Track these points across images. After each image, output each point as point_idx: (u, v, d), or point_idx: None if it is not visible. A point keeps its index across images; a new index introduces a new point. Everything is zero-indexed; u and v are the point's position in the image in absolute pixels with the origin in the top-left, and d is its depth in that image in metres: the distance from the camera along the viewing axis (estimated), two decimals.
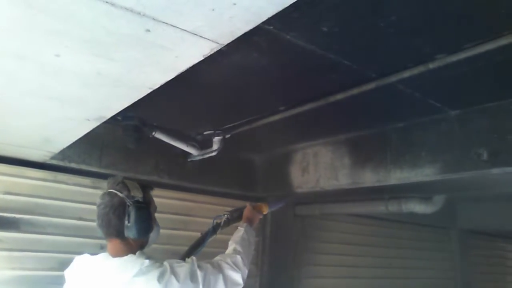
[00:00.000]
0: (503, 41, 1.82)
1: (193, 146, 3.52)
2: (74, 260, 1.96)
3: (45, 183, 3.28)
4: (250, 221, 2.49)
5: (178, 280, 1.71)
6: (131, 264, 1.74)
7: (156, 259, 1.82)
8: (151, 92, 1.78)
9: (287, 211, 4.68)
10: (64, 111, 2.01)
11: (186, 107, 3.06)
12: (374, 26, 1.88)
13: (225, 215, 2.54)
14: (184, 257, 2.10)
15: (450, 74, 2.28)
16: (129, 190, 1.86)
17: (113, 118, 2.35)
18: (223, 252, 2.20)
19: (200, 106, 3.02)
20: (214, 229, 2.47)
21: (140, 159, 3.61)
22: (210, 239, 2.44)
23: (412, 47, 2.07)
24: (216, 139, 3.46)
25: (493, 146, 2.59)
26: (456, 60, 2.04)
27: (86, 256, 1.93)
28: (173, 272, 1.73)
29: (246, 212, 2.55)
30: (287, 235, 4.66)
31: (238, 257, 2.08)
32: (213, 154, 3.51)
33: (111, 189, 1.87)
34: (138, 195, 1.87)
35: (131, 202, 1.82)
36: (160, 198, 3.82)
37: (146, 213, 1.87)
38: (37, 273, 3.15)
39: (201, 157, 3.61)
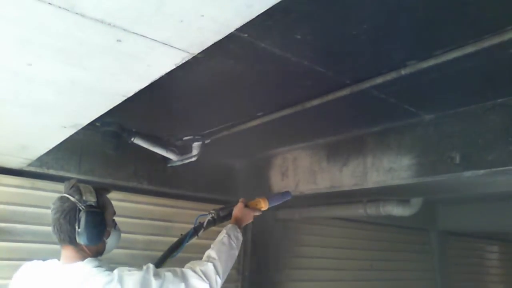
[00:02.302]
0: (469, 49, 1.89)
1: (173, 151, 3.53)
2: (23, 266, 1.88)
3: (22, 190, 3.25)
4: (239, 221, 2.23)
5: None
6: (77, 271, 1.67)
7: (108, 266, 1.72)
8: (129, 98, 1.79)
9: (268, 215, 4.71)
10: (38, 118, 2.01)
11: (165, 113, 3.07)
12: (346, 33, 1.92)
13: (211, 214, 2.29)
14: (159, 261, 2.02)
15: (422, 80, 2.34)
16: (81, 194, 1.76)
17: (92, 124, 2.34)
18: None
19: (179, 112, 3.04)
20: (196, 230, 2.21)
21: (120, 165, 3.60)
22: (191, 241, 2.19)
23: (384, 54, 2.12)
24: (196, 144, 3.48)
25: (465, 150, 2.66)
26: (427, 66, 2.10)
27: (35, 262, 1.86)
28: (120, 281, 1.62)
29: (236, 211, 2.28)
30: (268, 239, 4.68)
31: (210, 265, 1.89)
32: (193, 159, 3.52)
33: (65, 193, 1.79)
34: (91, 199, 1.77)
35: (83, 207, 1.73)
36: (140, 204, 3.84)
37: (98, 218, 1.76)
38: None
39: (181, 163, 3.61)
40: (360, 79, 2.36)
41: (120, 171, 3.62)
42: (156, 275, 1.70)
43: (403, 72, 2.20)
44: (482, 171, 2.57)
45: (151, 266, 1.75)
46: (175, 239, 2.27)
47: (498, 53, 1.99)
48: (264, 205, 2.39)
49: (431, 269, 6.77)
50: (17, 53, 1.37)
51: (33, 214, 3.26)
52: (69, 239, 1.73)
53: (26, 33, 1.23)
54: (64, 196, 1.77)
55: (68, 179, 3.32)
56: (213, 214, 2.28)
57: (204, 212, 2.31)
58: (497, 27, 1.81)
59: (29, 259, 3.06)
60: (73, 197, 1.75)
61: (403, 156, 3.01)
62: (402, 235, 6.33)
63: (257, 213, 2.37)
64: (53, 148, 2.68)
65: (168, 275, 1.74)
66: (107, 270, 1.68)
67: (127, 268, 1.71)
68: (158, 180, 3.82)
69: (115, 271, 1.66)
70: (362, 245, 5.73)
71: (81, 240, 1.72)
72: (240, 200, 2.34)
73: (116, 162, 3.57)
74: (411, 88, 2.49)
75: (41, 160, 3.10)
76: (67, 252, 1.77)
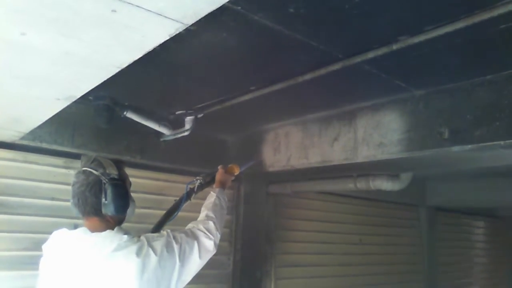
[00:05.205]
0: (460, 24, 1.90)
1: (165, 125, 3.54)
2: (52, 235, 1.97)
3: (15, 164, 3.25)
4: (222, 185, 2.57)
5: (155, 254, 1.77)
6: (110, 239, 1.78)
7: (133, 234, 1.86)
8: (122, 71, 1.80)
9: (260, 189, 4.78)
10: (31, 90, 2.01)
11: (158, 87, 3.07)
12: (339, 7, 1.92)
13: (198, 180, 2.62)
14: (158, 225, 2.17)
15: (413, 55, 2.36)
16: (104, 168, 1.87)
17: (85, 97, 2.35)
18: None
19: (172, 86, 3.04)
20: (188, 195, 2.52)
21: (112, 139, 3.61)
22: (185, 204, 2.49)
23: (375, 29, 2.13)
24: (188, 118, 3.49)
25: (454, 125, 2.70)
26: (418, 41, 2.12)
27: (64, 230, 1.94)
28: (150, 246, 1.78)
29: (218, 176, 2.63)
30: (260, 213, 4.75)
31: (211, 223, 2.15)
32: (186, 133, 3.53)
33: (86, 167, 1.87)
34: (113, 172, 1.88)
35: (107, 180, 1.84)
36: (133, 177, 3.80)
37: (122, 190, 1.89)
38: (10, 253, 3.15)
39: (173, 137, 3.63)
40: (352, 54, 2.37)
41: (113, 145, 3.63)
42: (175, 237, 1.92)
43: (394, 47, 2.21)
44: (469, 146, 2.62)
45: (169, 231, 1.96)
46: None
47: (488, 28, 2.01)
48: (236, 170, 2.83)
49: (419, 244, 6.93)
50: (10, 22, 1.37)
51: (26, 187, 3.28)
52: (94, 211, 1.85)
53: (20, 1, 1.23)
54: (87, 170, 1.86)
55: (62, 152, 3.38)
56: (200, 180, 2.63)
57: (192, 179, 2.67)
58: (488, 2, 1.83)
59: (23, 231, 3.17)
60: (96, 171, 1.86)
61: (393, 131, 3.05)
62: (392, 210, 6.44)
63: (232, 177, 2.78)
64: (46, 122, 2.69)
65: (183, 236, 1.96)
66: (134, 237, 1.83)
67: (150, 234, 1.92)
68: (150, 154, 3.84)
69: (143, 238, 1.84)
70: (352, 220, 5.84)
71: (108, 211, 1.84)
72: (220, 166, 2.73)
73: (109, 136, 3.58)
74: (402, 63, 2.52)
75: (34, 133, 3.10)
76: (91, 223, 1.88)
